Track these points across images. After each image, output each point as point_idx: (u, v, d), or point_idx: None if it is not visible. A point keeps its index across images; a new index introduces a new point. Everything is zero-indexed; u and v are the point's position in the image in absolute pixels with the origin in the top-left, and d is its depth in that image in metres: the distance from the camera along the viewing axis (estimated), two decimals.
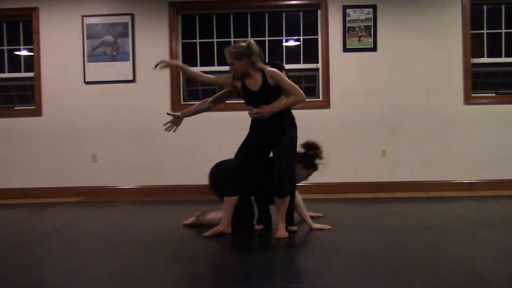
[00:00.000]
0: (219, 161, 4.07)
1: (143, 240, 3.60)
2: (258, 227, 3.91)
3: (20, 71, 6.20)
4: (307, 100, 3.77)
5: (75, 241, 3.68)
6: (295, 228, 3.76)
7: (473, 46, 5.87)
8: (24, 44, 6.21)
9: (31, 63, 6.10)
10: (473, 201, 5.10)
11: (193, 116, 5.93)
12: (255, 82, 3.63)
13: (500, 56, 5.95)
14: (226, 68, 5.95)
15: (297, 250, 3.42)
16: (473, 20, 5.87)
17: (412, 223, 4.03)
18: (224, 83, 3.88)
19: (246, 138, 3.76)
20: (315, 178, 5.76)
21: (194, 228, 3.97)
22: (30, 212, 5.03)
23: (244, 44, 3.62)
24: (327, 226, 3.87)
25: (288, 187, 3.58)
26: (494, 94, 5.96)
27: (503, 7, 5.93)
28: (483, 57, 5.95)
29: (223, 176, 3.78)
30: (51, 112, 6.05)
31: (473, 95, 5.86)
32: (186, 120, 5.97)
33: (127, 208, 5.20)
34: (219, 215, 3.90)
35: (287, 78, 3.64)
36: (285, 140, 3.58)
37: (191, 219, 4.06)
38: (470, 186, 5.81)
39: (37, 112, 6.05)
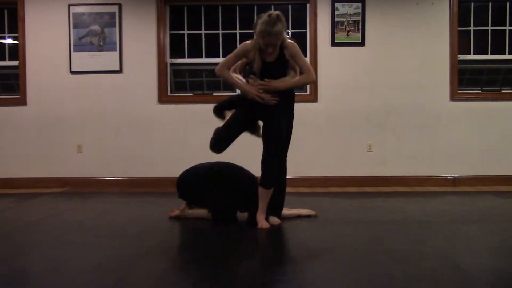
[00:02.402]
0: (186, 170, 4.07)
1: (128, 232, 3.58)
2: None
3: (4, 60, 6.11)
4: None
5: (59, 231, 3.65)
6: (278, 221, 3.74)
7: (460, 43, 5.92)
8: (9, 32, 6.12)
9: (16, 52, 6.02)
10: (457, 197, 5.16)
11: (179, 108, 5.97)
12: (273, 52, 3.42)
13: (487, 53, 6.00)
14: (214, 60, 6.00)
15: (282, 243, 3.42)
16: (460, 17, 5.90)
17: (396, 217, 4.06)
18: (247, 49, 3.51)
19: (235, 118, 3.68)
20: (302, 171, 5.80)
21: (180, 220, 3.96)
22: (14, 202, 4.99)
23: (279, 20, 3.31)
24: (313, 212, 3.96)
25: (274, 179, 3.58)
26: (479, 91, 6.01)
27: (490, 4, 5.97)
28: (470, 54, 6.00)
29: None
30: (36, 102, 5.98)
31: (459, 91, 5.91)
32: (172, 112, 5.99)
33: (113, 199, 5.18)
34: (204, 210, 3.93)
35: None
36: (282, 128, 3.55)
37: (176, 212, 4.05)
38: (455, 181, 5.87)
39: (22, 102, 5.98)
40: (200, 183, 3.84)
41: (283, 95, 3.53)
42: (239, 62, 3.65)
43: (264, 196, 3.60)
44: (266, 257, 3.05)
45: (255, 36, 3.45)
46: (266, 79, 3.47)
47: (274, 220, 3.73)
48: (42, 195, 5.34)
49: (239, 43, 5.91)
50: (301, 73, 3.55)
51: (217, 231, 3.66)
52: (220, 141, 3.70)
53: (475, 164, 5.90)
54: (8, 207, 4.75)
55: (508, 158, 5.89)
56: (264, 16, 3.34)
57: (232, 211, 3.91)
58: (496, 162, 5.89)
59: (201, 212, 3.96)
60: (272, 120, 3.54)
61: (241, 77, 3.65)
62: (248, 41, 3.51)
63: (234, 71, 3.64)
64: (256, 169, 3.71)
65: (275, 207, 3.74)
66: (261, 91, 3.47)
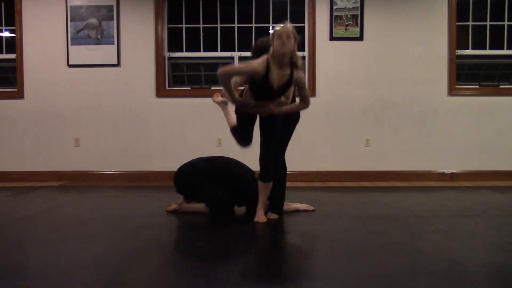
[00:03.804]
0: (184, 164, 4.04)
1: (125, 226, 3.58)
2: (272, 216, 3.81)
3: (1, 53, 6.09)
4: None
5: (56, 225, 3.65)
6: (276, 216, 3.73)
7: (458, 38, 5.91)
8: (6, 25, 6.09)
9: (13, 45, 5.99)
10: (454, 191, 5.17)
11: (177, 102, 5.96)
12: (282, 75, 3.34)
13: (485, 48, 6.00)
14: (213, 54, 5.99)
15: (280, 237, 3.43)
16: (459, 11, 5.90)
17: (394, 212, 4.07)
18: (256, 69, 3.33)
19: (240, 118, 3.68)
20: (300, 166, 5.80)
21: (177, 214, 3.96)
22: (11, 196, 4.98)
23: (293, 36, 3.27)
24: (311, 207, 3.99)
25: (271, 172, 3.58)
26: (477, 86, 6.01)
27: None
28: (468, 48, 5.99)
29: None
30: (33, 95, 5.96)
31: (457, 86, 5.91)
32: (170, 106, 5.98)
33: (110, 193, 5.17)
34: (202, 204, 3.93)
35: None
36: (277, 124, 3.55)
37: (173, 206, 4.05)
38: (452, 176, 5.88)
39: (19, 95, 5.96)
40: (198, 177, 3.84)
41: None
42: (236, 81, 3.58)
43: (263, 189, 3.62)
44: (263, 251, 3.05)
45: (270, 49, 3.33)
46: (265, 101, 3.43)
47: (272, 215, 3.73)
48: (39, 189, 5.33)
49: (237, 37, 5.96)
50: (301, 99, 3.55)
51: (214, 225, 3.66)
52: (243, 138, 3.73)
53: (473, 159, 5.91)
54: (5, 201, 4.74)
55: (506, 153, 5.90)
56: (278, 33, 3.26)
57: (229, 205, 3.91)
58: (494, 157, 5.90)
59: (199, 206, 3.96)
60: (267, 117, 3.54)
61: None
62: (260, 62, 3.32)
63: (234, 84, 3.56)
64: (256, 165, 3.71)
65: (275, 205, 3.75)
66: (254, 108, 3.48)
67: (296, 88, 3.52)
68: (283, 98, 3.49)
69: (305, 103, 3.52)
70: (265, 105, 3.45)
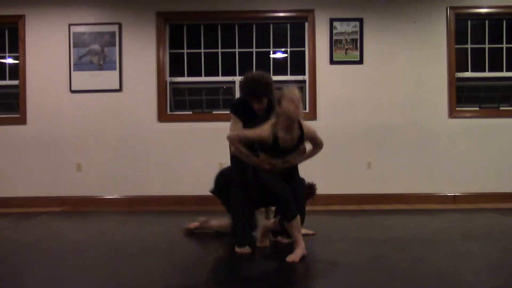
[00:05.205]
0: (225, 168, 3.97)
1: (127, 251, 3.56)
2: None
3: (5, 79, 6.14)
4: None
5: (58, 251, 3.63)
6: (287, 240, 3.69)
7: (457, 61, 5.95)
8: (10, 52, 6.16)
9: (16, 71, 6.05)
10: (457, 214, 5.15)
11: (179, 127, 5.98)
12: (291, 136, 3.33)
13: (484, 71, 6.04)
14: (214, 78, 6.04)
15: (282, 261, 3.40)
16: (457, 34, 5.95)
17: (397, 235, 4.04)
18: (264, 137, 3.31)
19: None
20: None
21: (181, 239, 3.94)
22: (13, 222, 4.96)
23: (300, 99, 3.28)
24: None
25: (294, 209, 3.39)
26: (478, 108, 6.03)
27: (486, 22, 6.03)
28: (467, 71, 6.03)
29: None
30: (35, 121, 5.99)
31: (457, 109, 5.93)
32: (171, 131, 6.00)
33: (111, 218, 5.15)
34: (223, 222, 3.94)
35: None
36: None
37: (195, 223, 4.08)
38: (455, 199, 5.85)
39: (22, 121, 5.99)
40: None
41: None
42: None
43: (291, 228, 3.36)
44: (266, 275, 3.02)
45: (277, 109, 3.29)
46: (282, 158, 3.39)
47: (284, 239, 3.73)
48: (40, 215, 5.32)
49: (238, 62, 6.01)
50: (313, 146, 3.53)
51: (217, 250, 3.64)
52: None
53: (475, 181, 5.90)
54: (6, 227, 4.72)
55: (508, 175, 5.88)
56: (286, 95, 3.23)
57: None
58: (496, 179, 5.88)
59: (220, 225, 3.94)
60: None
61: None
62: (266, 128, 3.30)
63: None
64: None
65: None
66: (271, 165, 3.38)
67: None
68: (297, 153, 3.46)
69: (318, 148, 3.51)
70: (282, 161, 3.37)
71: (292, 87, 3.29)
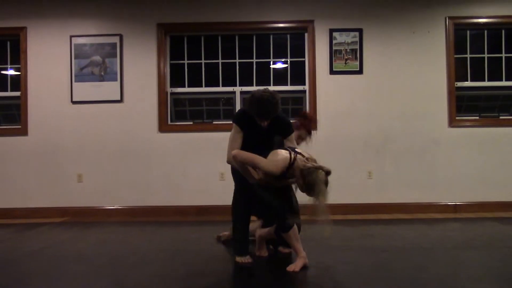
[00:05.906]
0: None
1: (128, 261, 3.56)
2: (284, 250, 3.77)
3: (6, 90, 6.17)
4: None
5: (59, 262, 3.64)
6: (288, 250, 3.69)
7: (457, 70, 5.98)
8: (11, 63, 6.20)
9: (18, 82, 6.08)
10: (458, 223, 5.15)
11: (180, 137, 6.00)
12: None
13: (483, 80, 6.07)
14: (214, 89, 6.06)
15: (283, 271, 3.40)
16: (456, 44, 5.99)
17: (398, 244, 4.04)
18: (274, 173, 3.27)
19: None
20: (302, 199, 5.75)
21: (182, 249, 3.94)
22: (14, 233, 4.96)
23: None
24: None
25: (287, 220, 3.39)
26: (477, 117, 6.05)
27: (485, 32, 6.06)
28: (467, 80, 6.06)
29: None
30: (37, 132, 6.01)
31: (457, 118, 5.94)
32: (172, 141, 6.02)
33: (112, 229, 5.16)
34: (255, 225, 3.88)
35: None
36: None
37: (226, 233, 4.14)
38: (455, 208, 5.85)
39: (23, 132, 6.01)
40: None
41: None
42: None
43: (289, 238, 3.38)
44: (266, 285, 3.02)
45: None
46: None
47: (284, 249, 3.73)
48: (42, 225, 5.32)
49: (239, 72, 6.05)
50: None
51: (218, 260, 3.64)
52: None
53: (476, 190, 5.89)
54: (8, 238, 4.72)
55: (508, 184, 5.88)
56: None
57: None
58: (497, 188, 5.88)
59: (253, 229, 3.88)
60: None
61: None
62: (279, 166, 3.25)
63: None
64: None
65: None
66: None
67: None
68: None
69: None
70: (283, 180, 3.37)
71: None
